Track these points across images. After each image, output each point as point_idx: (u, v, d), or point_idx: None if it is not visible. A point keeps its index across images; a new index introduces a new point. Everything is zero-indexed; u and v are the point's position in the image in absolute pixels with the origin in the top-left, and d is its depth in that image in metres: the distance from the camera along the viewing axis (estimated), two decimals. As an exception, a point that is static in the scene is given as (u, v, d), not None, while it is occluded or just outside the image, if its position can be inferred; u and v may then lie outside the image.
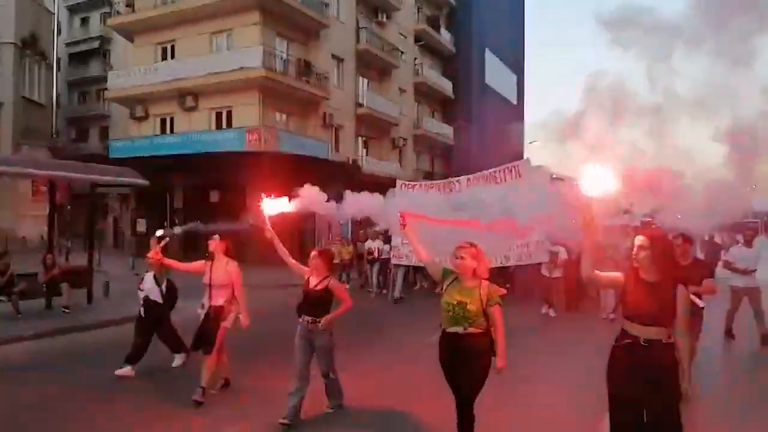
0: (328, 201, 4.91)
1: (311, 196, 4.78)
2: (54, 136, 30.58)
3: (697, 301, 4.94)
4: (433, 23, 32.93)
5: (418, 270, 12.96)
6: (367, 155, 26.95)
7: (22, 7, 29.07)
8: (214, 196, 19.83)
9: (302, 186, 4.96)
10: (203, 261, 5.37)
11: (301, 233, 18.32)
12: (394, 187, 9.70)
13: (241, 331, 5.24)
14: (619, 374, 3.15)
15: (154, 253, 5.59)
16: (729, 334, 8.00)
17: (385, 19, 28.05)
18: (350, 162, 24.45)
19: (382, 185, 10.40)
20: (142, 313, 6.20)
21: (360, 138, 26.84)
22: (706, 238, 12.94)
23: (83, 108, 37.73)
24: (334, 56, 24.11)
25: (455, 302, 3.67)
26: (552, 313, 10.13)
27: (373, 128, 27.58)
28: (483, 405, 3.79)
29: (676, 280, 3.12)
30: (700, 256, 10.07)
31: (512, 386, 5.10)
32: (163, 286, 6.23)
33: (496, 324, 3.67)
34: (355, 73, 25.85)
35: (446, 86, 34.15)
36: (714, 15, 3.04)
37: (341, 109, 24.35)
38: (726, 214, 3.19)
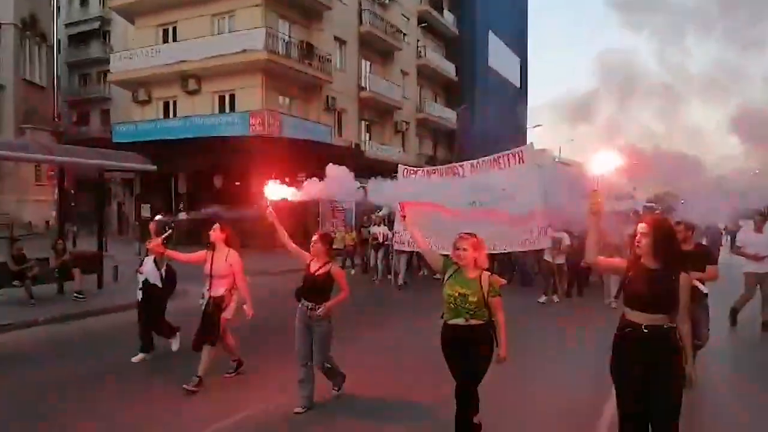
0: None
1: (340, 177, 4.70)
2: (55, 119, 30.52)
3: (701, 287, 5.00)
4: (436, 5, 32.55)
5: (421, 256, 13.02)
6: (370, 139, 26.90)
7: (20, -12, 28.72)
8: (218, 181, 19.85)
9: (306, 170, 4.98)
10: (204, 251, 5.32)
11: (304, 218, 18.42)
12: (397, 171, 9.78)
13: (243, 319, 5.24)
14: (622, 362, 3.16)
15: (156, 245, 5.54)
16: (733, 318, 7.96)
17: (387, 1, 27.74)
18: (353, 146, 24.43)
19: (385, 170, 10.46)
20: (140, 297, 6.20)
21: (363, 122, 26.77)
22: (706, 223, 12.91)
23: (84, 90, 37.44)
24: (336, 38, 23.92)
25: (456, 294, 3.68)
26: (556, 298, 10.22)
27: (376, 112, 27.49)
28: (485, 393, 3.81)
29: (678, 267, 3.11)
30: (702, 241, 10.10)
31: (514, 374, 5.11)
32: (163, 270, 6.17)
33: (497, 315, 3.69)
34: (357, 56, 25.67)
35: (449, 69, 33.91)
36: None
37: (344, 93, 24.24)
38: (745, 204, 3.22)
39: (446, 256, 3.97)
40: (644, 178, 3.59)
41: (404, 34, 28.68)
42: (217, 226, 5.26)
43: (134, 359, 6.04)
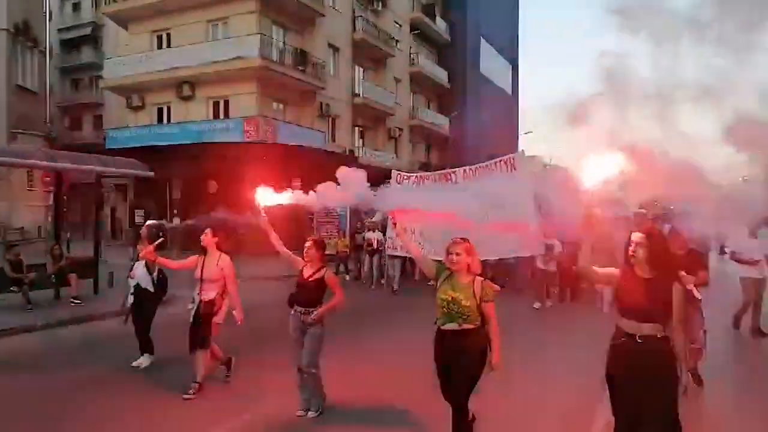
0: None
1: (357, 178, 4.52)
2: (48, 124, 30.38)
3: (696, 293, 5.08)
4: (429, 12, 32.91)
5: (414, 261, 13.06)
6: (363, 145, 27.08)
7: (13, -7, 28.64)
8: (212, 187, 19.89)
9: (299, 177, 4.99)
10: (196, 256, 5.31)
11: (298, 223, 18.50)
12: (390, 177, 9.88)
13: (235, 325, 5.21)
14: (616, 372, 3.15)
15: (148, 252, 5.48)
16: (736, 325, 7.97)
17: (380, 7, 28.02)
18: (347, 152, 24.59)
19: (379, 175, 10.55)
20: (130, 301, 6.19)
21: (356, 128, 26.96)
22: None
23: (76, 96, 37.34)
24: (330, 45, 24.13)
25: (449, 298, 3.68)
26: (549, 303, 10.31)
27: (369, 118, 27.69)
28: (479, 399, 3.82)
29: (673, 277, 3.12)
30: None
31: (509, 378, 5.05)
32: (155, 275, 6.16)
33: (490, 320, 3.68)
34: (351, 63, 25.89)
35: (441, 76, 34.23)
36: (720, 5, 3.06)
37: (337, 99, 24.42)
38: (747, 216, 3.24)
39: (439, 261, 3.97)
40: (646, 185, 3.52)
41: (397, 41, 28.96)
42: (208, 230, 5.28)
43: (135, 363, 6.05)
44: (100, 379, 5.73)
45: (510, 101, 43.62)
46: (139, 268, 6.17)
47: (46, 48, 31.23)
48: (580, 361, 6.41)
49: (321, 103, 23.15)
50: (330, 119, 24.20)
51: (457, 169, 8.60)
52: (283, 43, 21.44)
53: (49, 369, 6.17)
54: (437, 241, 4.96)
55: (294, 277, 4.80)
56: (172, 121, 22.05)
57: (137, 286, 6.14)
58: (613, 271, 3.32)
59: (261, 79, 20.35)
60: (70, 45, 37.00)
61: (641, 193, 3.90)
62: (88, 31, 36.18)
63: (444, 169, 11.10)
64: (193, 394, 5.08)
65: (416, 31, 31.99)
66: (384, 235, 12.48)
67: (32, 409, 4.93)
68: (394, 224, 4.58)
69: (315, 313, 4.50)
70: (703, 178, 3.24)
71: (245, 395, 5.24)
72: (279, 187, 4.83)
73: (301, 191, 4.64)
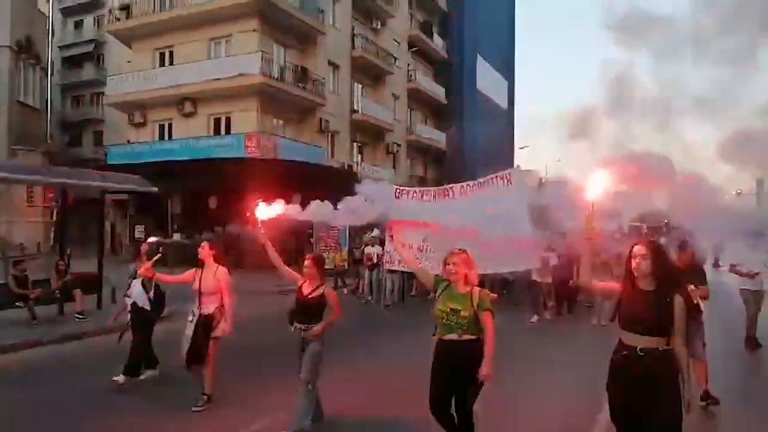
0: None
1: (378, 194, 4.72)
2: (48, 140, 30.60)
3: (702, 305, 5.13)
4: (426, 30, 33.46)
5: (413, 276, 13.11)
6: (362, 161, 27.34)
7: (16, 10, 29.05)
8: (213, 202, 20.04)
9: (299, 192, 5.06)
10: (193, 270, 5.32)
11: (296, 237, 18.62)
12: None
13: (237, 339, 5.17)
14: (618, 385, 3.13)
15: (146, 269, 5.46)
16: (751, 343, 7.88)
17: (379, 26, 28.50)
18: (346, 168, 24.83)
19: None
20: (129, 319, 6.16)
21: (355, 144, 27.23)
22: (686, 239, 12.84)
23: (77, 112, 37.66)
24: (329, 63, 24.50)
25: (448, 309, 3.69)
26: (547, 315, 10.42)
27: (368, 134, 28.00)
28: (479, 409, 3.82)
29: (674, 289, 3.10)
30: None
31: (508, 389, 5.18)
32: (151, 293, 6.11)
33: (486, 330, 3.66)
34: (350, 80, 26.25)
35: (439, 92, 34.68)
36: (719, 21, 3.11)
37: (337, 115, 24.72)
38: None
39: (437, 275, 4.02)
40: (642, 198, 3.54)
41: (395, 58, 29.41)
42: (205, 243, 5.30)
43: (143, 376, 6.09)
44: (107, 393, 5.77)
45: (506, 116, 44.13)
46: (136, 286, 6.12)
47: (47, 65, 31.62)
48: (578, 373, 6.49)
49: (321, 120, 23.44)
50: (329, 135, 24.47)
51: (454, 185, 8.76)
52: (284, 60, 21.79)
53: (57, 383, 6.23)
54: (435, 257, 5.01)
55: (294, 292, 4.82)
56: (173, 137, 22.27)
57: (134, 305, 6.09)
58: (613, 284, 3.32)
59: (262, 96, 20.64)
60: (71, 62, 37.43)
61: (638, 206, 3.91)
62: (89, 48, 36.65)
63: (441, 183, 11.26)
64: (202, 406, 5.14)
65: (414, 49, 32.49)
66: (383, 249, 12.60)
67: (41, 424, 5.00)
68: (391, 237, 4.61)
69: (312, 331, 4.51)
70: (705, 190, 3.19)
71: (246, 409, 5.28)
72: (279, 202, 4.83)
73: (323, 203, 4.71)
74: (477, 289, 3.76)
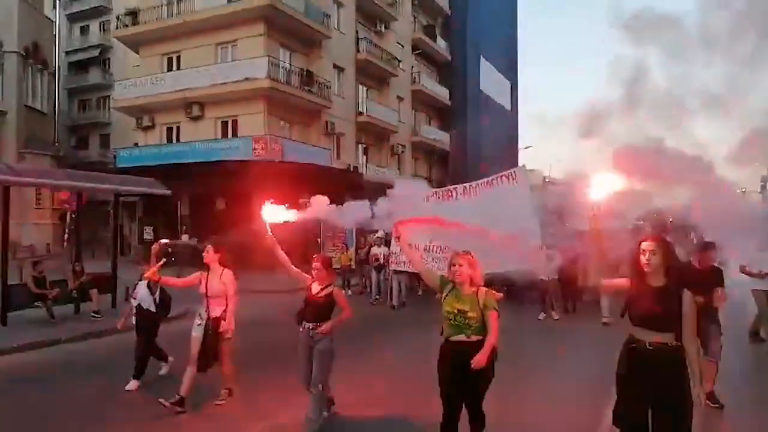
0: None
1: (411, 193, 4.76)
2: (56, 144, 30.95)
3: (720, 306, 5.12)
4: (430, 32, 33.68)
5: (419, 276, 13.01)
6: (367, 162, 27.55)
7: (24, 16, 29.45)
8: (221, 204, 20.28)
9: (307, 193, 5.06)
10: (199, 273, 5.36)
11: (304, 238, 18.81)
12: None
13: (241, 339, 5.21)
14: (628, 379, 3.15)
15: (152, 272, 5.46)
16: (755, 337, 8.04)
17: (383, 29, 28.73)
18: (352, 169, 25.05)
19: (384, 192, 10.78)
20: (133, 321, 6.19)
21: (360, 145, 27.44)
22: (693, 238, 12.65)
23: (83, 116, 38.03)
24: (335, 66, 24.73)
25: (455, 311, 3.71)
26: (555, 315, 10.49)
27: (373, 136, 28.21)
28: (488, 407, 3.87)
29: (682, 284, 3.10)
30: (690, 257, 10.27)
31: (512, 391, 5.22)
32: (157, 295, 6.13)
33: (490, 328, 3.68)
34: (355, 82, 26.48)
35: (442, 94, 34.89)
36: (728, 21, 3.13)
37: (342, 118, 24.95)
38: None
39: (443, 276, 4.05)
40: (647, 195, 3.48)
41: (399, 61, 29.62)
42: (210, 247, 5.34)
43: (161, 372, 6.18)
44: (122, 390, 5.90)
45: (509, 117, 44.29)
46: (142, 288, 6.15)
47: (55, 70, 32.00)
48: (584, 371, 6.51)
49: (327, 122, 23.67)
50: (335, 137, 24.69)
51: (458, 186, 8.86)
52: (290, 64, 22.02)
53: (78, 380, 6.41)
54: (441, 257, 5.01)
55: (303, 291, 4.86)
56: (181, 140, 22.52)
57: (139, 307, 6.13)
58: (623, 281, 3.32)
59: (268, 99, 20.87)
60: (77, 66, 37.82)
61: (643, 205, 3.88)
62: (95, 53, 37.05)
63: (445, 184, 11.35)
64: (224, 400, 5.31)
65: (418, 51, 32.72)
66: (389, 249, 12.63)
67: (63, 419, 5.17)
68: (397, 238, 4.61)
69: (324, 326, 4.56)
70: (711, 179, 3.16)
71: (250, 409, 5.33)
72: (287, 204, 4.83)
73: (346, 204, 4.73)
74: (483, 290, 3.79)
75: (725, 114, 3.20)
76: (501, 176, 7.99)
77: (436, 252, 8.70)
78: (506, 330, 3.86)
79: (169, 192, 10.77)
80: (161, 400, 5.10)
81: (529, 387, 6.06)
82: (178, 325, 6.63)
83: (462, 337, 3.71)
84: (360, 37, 26.59)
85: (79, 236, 11.06)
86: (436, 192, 9.90)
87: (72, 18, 37.81)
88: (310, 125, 23.45)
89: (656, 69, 3.41)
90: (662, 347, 3.02)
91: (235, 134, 21.54)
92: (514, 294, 12.19)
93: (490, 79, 39.07)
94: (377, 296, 13.22)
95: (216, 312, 5.18)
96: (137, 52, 24.39)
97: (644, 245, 3.16)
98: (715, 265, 5.42)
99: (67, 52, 36.77)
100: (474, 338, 3.69)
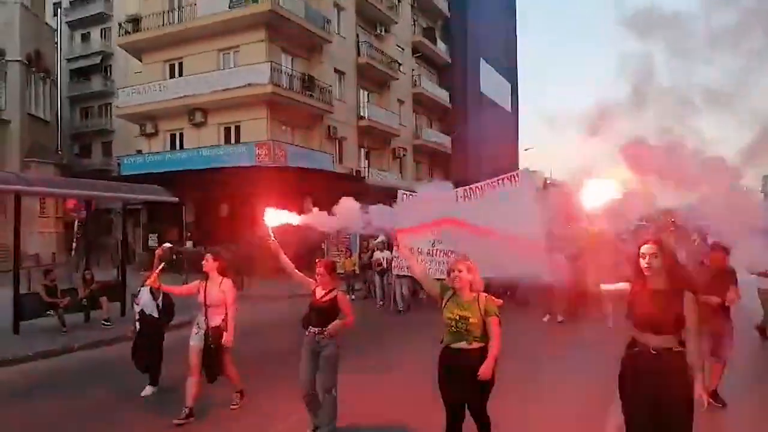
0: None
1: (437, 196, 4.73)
2: (59, 152, 31.08)
3: (732, 306, 5.17)
4: (429, 35, 33.80)
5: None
6: (369, 166, 27.65)
7: (25, 24, 29.57)
8: (225, 210, 20.37)
9: (309, 197, 5.01)
10: (198, 281, 5.36)
11: (308, 244, 18.87)
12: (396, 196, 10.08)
13: (246, 346, 5.31)
14: (630, 383, 3.15)
15: (153, 279, 5.45)
16: (763, 333, 8.12)
17: (383, 33, 28.85)
18: (354, 173, 25.15)
19: (386, 195, 10.79)
20: (137, 327, 6.15)
21: (362, 149, 27.54)
22: (696, 238, 12.59)
23: (85, 123, 38.15)
24: (336, 70, 24.84)
25: (457, 317, 3.68)
26: (559, 318, 10.41)
27: (375, 139, 28.31)
28: (493, 409, 3.84)
29: (684, 286, 3.10)
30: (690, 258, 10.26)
31: (516, 393, 5.25)
32: (160, 301, 6.12)
33: (492, 334, 3.66)
34: (356, 86, 26.60)
35: (443, 96, 35.00)
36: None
37: (344, 122, 25.06)
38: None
39: (441, 280, 4.07)
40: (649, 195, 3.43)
41: (400, 64, 29.74)
42: (209, 256, 5.32)
43: (143, 393, 6.01)
44: (137, 396, 6.00)
45: (510, 119, 44.40)
46: (145, 294, 6.14)
47: (57, 78, 32.15)
48: (589, 372, 6.53)
49: (329, 126, 23.77)
50: (337, 141, 24.79)
51: (458, 188, 8.88)
52: (292, 69, 22.15)
53: (93, 387, 6.48)
54: (444, 260, 5.10)
55: (308, 297, 4.88)
56: (184, 147, 22.63)
57: (142, 313, 6.12)
58: (624, 286, 3.31)
59: (271, 105, 20.98)
60: (79, 74, 37.96)
61: (645, 207, 3.83)
62: (96, 60, 37.18)
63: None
64: (237, 404, 5.41)
65: (418, 54, 32.85)
66: (391, 254, 12.63)
67: (79, 426, 5.27)
68: (397, 245, 4.61)
69: (329, 327, 4.54)
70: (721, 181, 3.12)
71: (262, 415, 5.37)
72: (292, 209, 4.78)
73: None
74: (483, 295, 3.77)
75: (731, 112, 3.19)
76: (503, 178, 8.04)
77: (439, 256, 8.75)
78: (510, 331, 3.83)
79: (176, 199, 10.87)
80: (174, 421, 5.09)
81: (533, 388, 6.08)
82: (180, 333, 6.43)
83: (463, 345, 3.68)
84: (360, 41, 26.71)
85: (89, 244, 11.14)
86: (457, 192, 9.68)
87: (73, 25, 37.96)
88: (312, 130, 23.56)
89: (662, 66, 3.38)
90: (664, 350, 3.02)
91: (238, 140, 21.64)
92: (516, 296, 12.22)
93: (490, 81, 39.19)
94: (381, 301, 13.25)
95: (215, 321, 5.17)
96: (140, 59, 24.53)
97: (644, 248, 3.16)
98: (727, 264, 5.42)
99: (69, 60, 36.92)
100: (475, 345, 3.66)
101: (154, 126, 23.27)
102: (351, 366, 5.73)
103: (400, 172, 30.45)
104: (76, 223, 11.82)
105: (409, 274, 10.36)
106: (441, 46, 35.21)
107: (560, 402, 5.77)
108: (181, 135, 23.01)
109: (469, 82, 35.98)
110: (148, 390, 6.06)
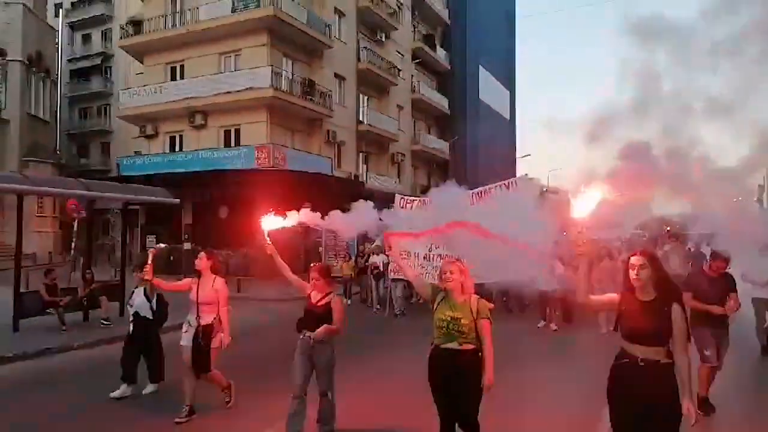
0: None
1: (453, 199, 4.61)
2: (57, 152, 31.12)
3: (731, 313, 5.22)
4: (429, 42, 34.08)
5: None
6: (367, 170, 27.79)
7: (27, 25, 29.70)
8: (223, 212, 20.44)
9: (307, 201, 4.96)
10: (189, 279, 5.35)
11: (306, 248, 18.98)
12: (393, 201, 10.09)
13: (238, 347, 5.21)
14: (618, 394, 3.16)
15: (147, 271, 5.42)
16: (766, 351, 7.97)
17: (383, 39, 29.08)
18: (352, 177, 25.28)
19: (384, 200, 10.87)
20: (131, 329, 6.09)
21: (361, 154, 27.69)
22: (690, 247, 12.03)
23: (84, 124, 38.21)
24: (336, 75, 25.02)
25: (448, 318, 3.69)
26: (553, 326, 10.36)
27: (374, 144, 28.47)
28: (486, 415, 3.81)
29: (672, 298, 3.12)
30: (685, 266, 9.93)
31: (508, 399, 5.19)
32: (154, 302, 6.08)
33: (485, 338, 3.67)
34: (356, 91, 26.77)
35: (442, 102, 35.26)
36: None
37: (343, 126, 25.21)
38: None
39: (434, 284, 4.05)
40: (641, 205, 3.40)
41: (399, 70, 29.96)
42: (202, 254, 5.32)
43: (114, 394, 5.90)
44: (138, 394, 6.04)
45: (508, 125, 44.70)
46: (139, 295, 6.12)
47: (58, 78, 32.24)
48: (582, 379, 6.53)
49: (328, 131, 23.92)
50: (336, 146, 24.93)
51: (471, 191, 8.88)
52: (292, 73, 22.31)
53: (93, 385, 6.51)
54: (440, 266, 5.11)
55: (303, 299, 4.82)
56: (184, 149, 22.72)
57: (136, 314, 6.08)
58: (613, 296, 3.31)
59: (271, 109, 21.12)
60: (79, 75, 38.07)
61: (640, 216, 3.76)
62: (97, 61, 37.33)
63: None
64: (229, 403, 5.43)
65: (417, 60, 33.10)
66: (388, 257, 12.62)
67: (80, 424, 5.32)
68: (389, 247, 4.57)
69: (317, 331, 4.43)
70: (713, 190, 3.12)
71: (253, 419, 5.36)
72: (291, 212, 4.73)
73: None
74: (475, 298, 3.79)
75: (731, 121, 3.14)
76: (501, 185, 8.12)
77: (435, 261, 8.79)
78: (504, 336, 3.90)
79: (177, 201, 10.96)
80: (176, 420, 5.13)
81: (523, 394, 6.11)
82: (177, 335, 6.23)
83: (454, 345, 3.69)
84: (361, 47, 26.91)
85: (91, 244, 11.21)
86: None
87: (74, 26, 38.10)
88: (311, 134, 23.70)
89: (664, 74, 3.35)
90: (652, 361, 3.03)
91: (237, 143, 21.75)
92: (510, 302, 12.24)
93: (488, 88, 39.50)
94: (378, 305, 13.25)
95: (206, 319, 5.16)
96: (141, 61, 24.65)
97: (633, 260, 3.17)
98: (727, 272, 5.47)
99: (69, 60, 37.02)
100: (465, 346, 3.67)
101: (154, 128, 23.36)
102: (347, 370, 5.71)
103: (398, 177, 30.60)
104: (75, 223, 11.84)
105: (404, 278, 10.41)
106: (440, 53, 35.49)
107: (551, 408, 5.77)
108: (181, 137, 23.11)
109: (467, 88, 36.27)
110: (149, 388, 6.13)
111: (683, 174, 3.18)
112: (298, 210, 4.76)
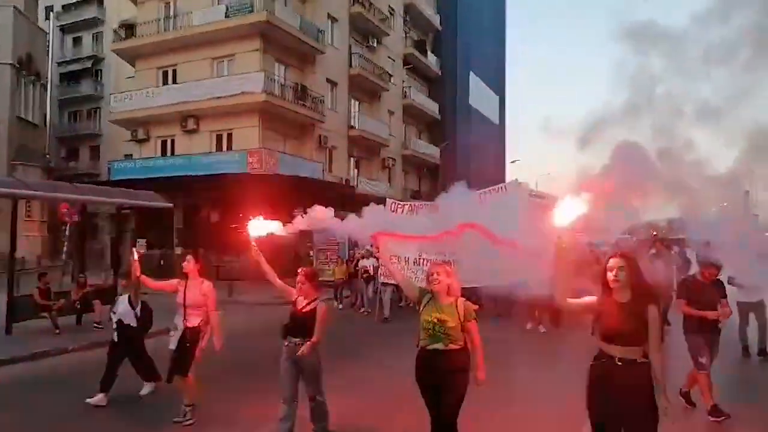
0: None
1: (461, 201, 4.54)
2: (46, 155, 30.91)
3: (723, 319, 5.36)
4: (420, 47, 34.41)
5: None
6: (358, 175, 27.97)
7: (18, 28, 29.52)
8: (215, 217, 20.50)
9: (302, 205, 4.90)
10: (176, 280, 5.32)
11: (296, 251, 19.05)
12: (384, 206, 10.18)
13: (219, 352, 5.20)
14: (596, 393, 3.22)
15: (135, 268, 5.39)
16: (746, 351, 8.11)
17: (375, 44, 29.34)
18: (344, 182, 25.43)
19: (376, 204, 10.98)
20: (116, 337, 6.02)
21: (352, 158, 27.87)
22: (676, 252, 12.29)
23: (74, 127, 37.95)
24: (328, 80, 25.21)
25: (435, 320, 3.74)
26: (542, 329, 10.46)
27: (365, 149, 28.66)
28: (462, 421, 3.80)
29: (648, 299, 3.18)
30: (671, 269, 10.13)
31: (492, 401, 5.21)
32: (138, 309, 6.03)
33: (473, 339, 3.75)
34: (347, 97, 26.98)
35: (433, 108, 35.58)
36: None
37: (335, 131, 25.38)
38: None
39: (421, 286, 4.11)
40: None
41: (391, 76, 30.23)
42: (190, 257, 5.33)
43: (91, 401, 5.77)
44: (135, 396, 6.07)
45: (497, 131, 45.13)
46: (122, 303, 6.06)
47: (48, 81, 32.05)
48: (562, 386, 6.48)
49: (320, 136, 24.07)
50: (328, 150, 25.09)
51: (475, 192, 8.98)
52: (285, 78, 22.46)
53: (90, 388, 6.36)
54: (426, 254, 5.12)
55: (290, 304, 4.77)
56: (176, 153, 22.75)
57: (120, 322, 6.01)
58: (591, 300, 3.36)
59: (263, 113, 21.24)
60: (69, 78, 37.80)
61: (627, 221, 3.81)
62: (87, 64, 37.11)
63: (434, 197, 11.34)
64: (184, 417, 5.15)
65: (409, 66, 33.42)
66: (378, 261, 12.66)
67: (77, 426, 5.38)
68: (376, 248, 4.67)
69: (303, 348, 4.38)
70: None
71: (234, 424, 5.33)
72: (281, 216, 4.74)
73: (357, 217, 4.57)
74: (461, 300, 3.85)
75: (722, 126, 3.20)
76: (491, 190, 8.30)
77: (425, 266, 8.93)
78: (493, 339, 4.01)
79: (171, 205, 11.05)
80: (174, 420, 5.14)
81: (514, 394, 6.21)
82: (160, 341, 6.35)
83: (439, 346, 3.76)
84: (353, 53, 27.14)
85: (84, 248, 11.26)
86: (423, 205, 9.80)
87: (65, 29, 37.89)
88: (303, 139, 23.84)
89: (656, 79, 3.41)
90: (629, 361, 3.11)
91: (229, 147, 21.84)
92: (500, 306, 12.31)
93: (478, 94, 39.89)
94: (368, 309, 13.30)
95: (193, 322, 5.14)
96: (133, 65, 24.66)
97: (611, 262, 3.24)
98: (718, 278, 5.62)
99: (59, 63, 36.80)
100: (451, 347, 3.74)
101: (145, 132, 23.37)
102: (337, 371, 5.73)
103: (389, 182, 30.81)
104: (67, 227, 11.88)
105: (393, 282, 10.45)
106: (431, 59, 35.83)
107: (536, 409, 5.83)
108: (173, 141, 23.14)
109: (458, 94, 36.63)
110: (146, 388, 6.15)
111: (674, 177, 3.23)
112: (290, 214, 4.75)
